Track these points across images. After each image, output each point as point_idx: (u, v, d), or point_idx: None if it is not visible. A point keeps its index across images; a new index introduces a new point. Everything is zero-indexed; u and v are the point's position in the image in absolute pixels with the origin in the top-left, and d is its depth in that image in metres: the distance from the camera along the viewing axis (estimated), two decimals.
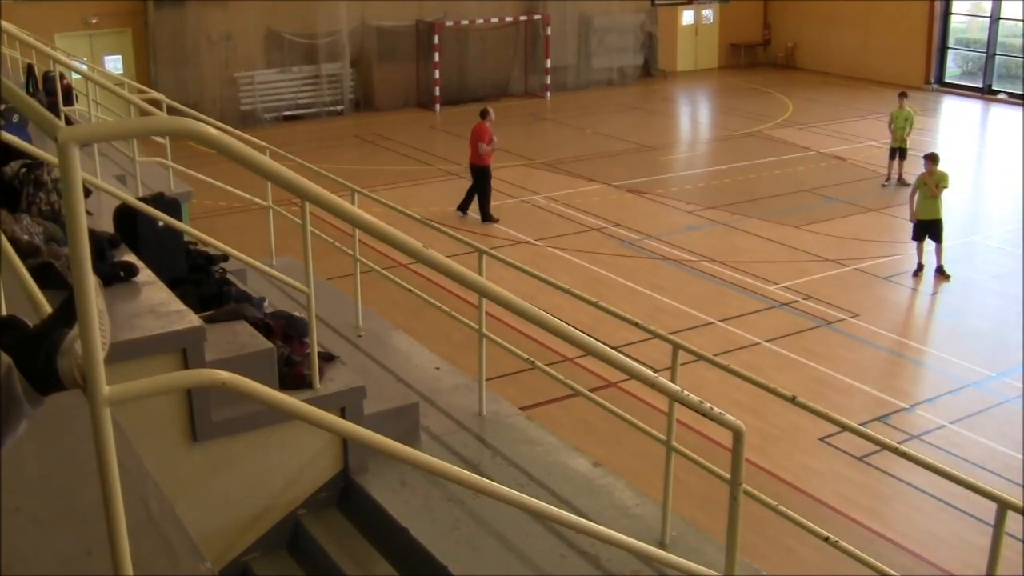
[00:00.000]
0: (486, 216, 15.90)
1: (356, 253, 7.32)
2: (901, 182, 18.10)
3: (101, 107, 11.19)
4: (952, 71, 28.13)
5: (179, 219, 6.23)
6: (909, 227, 14.13)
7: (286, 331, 5.69)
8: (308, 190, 2.06)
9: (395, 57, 25.09)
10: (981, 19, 27.52)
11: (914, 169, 18.31)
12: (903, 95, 18.60)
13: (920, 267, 13.76)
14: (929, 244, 13.77)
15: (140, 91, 11.86)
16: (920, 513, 8.29)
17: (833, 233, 15.46)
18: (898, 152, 18.12)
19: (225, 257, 6.53)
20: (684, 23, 30.41)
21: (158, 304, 4.87)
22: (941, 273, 13.65)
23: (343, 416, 5.03)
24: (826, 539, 4.40)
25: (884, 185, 18.20)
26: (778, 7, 31.07)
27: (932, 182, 13.66)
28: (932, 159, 13.89)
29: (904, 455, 4.43)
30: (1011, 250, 14.82)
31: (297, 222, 5.55)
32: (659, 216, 16.53)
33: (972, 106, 26.35)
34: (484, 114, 16.29)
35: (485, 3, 26.04)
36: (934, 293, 13.44)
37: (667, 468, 4.92)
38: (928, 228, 13.71)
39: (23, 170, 5.52)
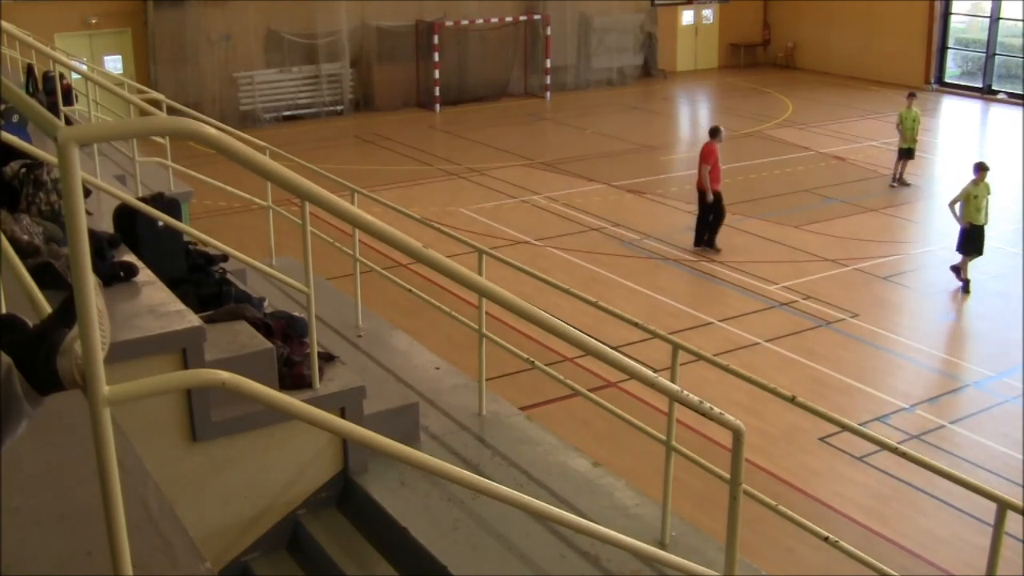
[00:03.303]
0: (710, 242, 14.58)
1: (356, 253, 7.32)
2: (901, 182, 18.08)
3: (101, 107, 11.18)
4: (952, 71, 28.13)
5: (179, 219, 6.23)
6: (910, 228, 14.11)
7: (286, 331, 5.69)
8: (308, 190, 2.06)
9: (395, 57, 25.09)
10: (981, 19, 27.53)
11: (916, 169, 18.37)
12: (912, 95, 18.55)
13: (967, 283, 13.16)
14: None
15: (140, 91, 11.86)
16: (920, 513, 8.29)
17: (833, 233, 15.46)
18: (905, 152, 18.02)
19: (225, 257, 6.53)
20: (684, 23, 30.41)
21: (158, 304, 4.87)
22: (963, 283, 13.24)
23: (343, 416, 5.03)
24: (826, 539, 4.40)
25: (892, 186, 18.09)
26: (778, 7, 31.07)
27: (983, 193, 13.21)
28: (983, 168, 13.36)
29: (904, 455, 4.43)
30: (1011, 250, 14.81)
31: (297, 222, 5.55)
32: (659, 216, 16.53)
33: (972, 106, 26.36)
34: (714, 132, 14.79)
35: (485, 3, 26.04)
36: (967, 293, 13.16)
37: (667, 468, 4.91)
38: (977, 237, 13.19)
39: (23, 170, 5.52)
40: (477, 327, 6.12)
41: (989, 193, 13.33)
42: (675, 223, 16.09)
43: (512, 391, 8.60)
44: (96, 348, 1.58)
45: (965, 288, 13.21)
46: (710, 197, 14.45)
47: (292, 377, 5.22)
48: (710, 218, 14.72)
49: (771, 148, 21.11)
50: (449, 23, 25.26)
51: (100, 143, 8.37)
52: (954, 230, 14.91)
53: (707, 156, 14.56)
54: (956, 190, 14.47)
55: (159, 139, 9.74)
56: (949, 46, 27.85)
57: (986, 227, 13.35)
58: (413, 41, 25.29)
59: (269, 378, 5.03)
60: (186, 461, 4.82)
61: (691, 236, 15.26)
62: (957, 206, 13.40)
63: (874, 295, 13.16)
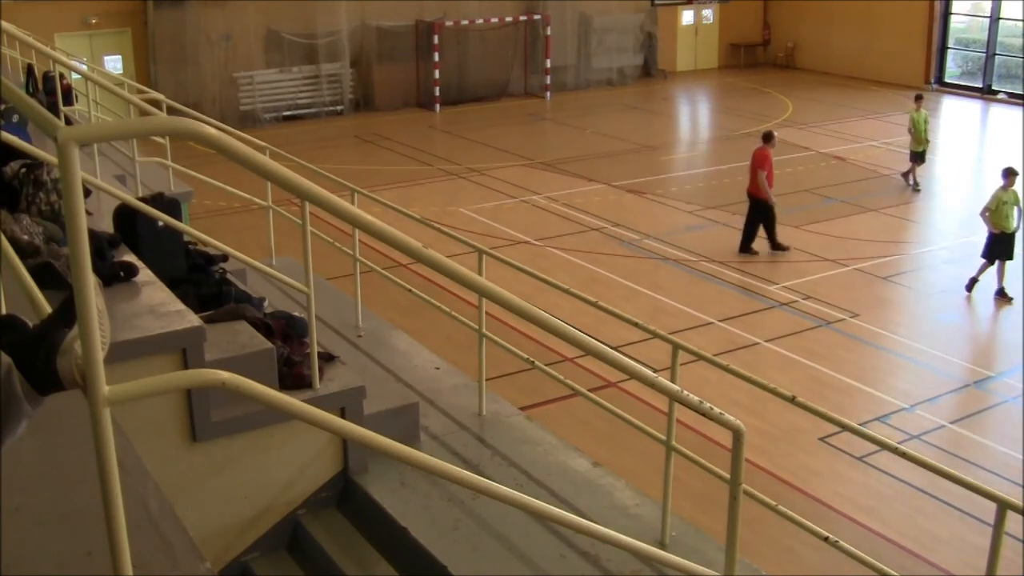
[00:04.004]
0: (773, 243, 14.35)
1: (356, 253, 7.32)
2: (915, 187, 17.79)
3: (101, 107, 11.18)
4: (952, 71, 28.13)
5: (179, 219, 6.23)
6: (910, 228, 14.07)
7: (286, 331, 5.69)
8: (308, 190, 2.06)
9: (395, 57, 25.09)
10: (981, 19, 27.53)
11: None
12: (919, 97, 18.34)
13: (974, 281, 12.93)
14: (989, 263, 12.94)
15: (140, 91, 11.86)
16: (920, 513, 8.29)
17: (833, 233, 15.45)
18: (918, 156, 17.74)
19: (225, 257, 6.53)
20: (684, 23, 30.41)
21: (158, 304, 4.87)
22: (1003, 296, 12.81)
23: (343, 416, 5.03)
24: (826, 539, 4.40)
25: (917, 190, 17.77)
26: (778, 7, 31.07)
27: (1012, 199, 12.87)
28: (1011, 173, 13.06)
29: (904, 455, 4.43)
30: None
31: (297, 222, 5.55)
32: (659, 216, 16.53)
33: (972, 106, 26.35)
34: (767, 137, 14.46)
35: (485, 3, 26.04)
36: (968, 292, 13.07)
37: (667, 468, 4.91)
38: (1005, 244, 12.84)
39: (23, 170, 5.52)
40: (477, 327, 6.12)
41: (1017, 201, 12.93)
42: (675, 223, 16.09)
43: (512, 391, 8.60)
44: (96, 348, 1.58)
45: (968, 287, 12.99)
46: (773, 201, 14.19)
47: (292, 377, 5.22)
48: (761, 223, 14.41)
49: None
50: (449, 23, 25.26)
51: (100, 143, 8.37)
52: (951, 230, 14.95)
53: (762, 162, 14.22)
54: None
55: (159, 139, 9.74)
56: (949, 46, 27.84)
57: (1018, 233, 12.94)
58: (413, 41, 25.29)
59: (269, 378, 5.03)
60: (186, 461, 4.82)
61: (691, 235, 15.27)
62: (989, 214, 13.00)
63: (874, 295, 13.16)
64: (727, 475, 3.62)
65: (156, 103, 9.05)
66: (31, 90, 10.63)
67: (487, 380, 6.19)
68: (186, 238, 6.35)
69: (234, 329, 5.28)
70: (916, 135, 17.74)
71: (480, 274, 5.45)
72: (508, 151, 20.89)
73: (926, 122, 17.79)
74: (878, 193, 17.85)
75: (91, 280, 1.57)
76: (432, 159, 20.43)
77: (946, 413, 10.00)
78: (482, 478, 2.52)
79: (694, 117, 27.35)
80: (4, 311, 3.15)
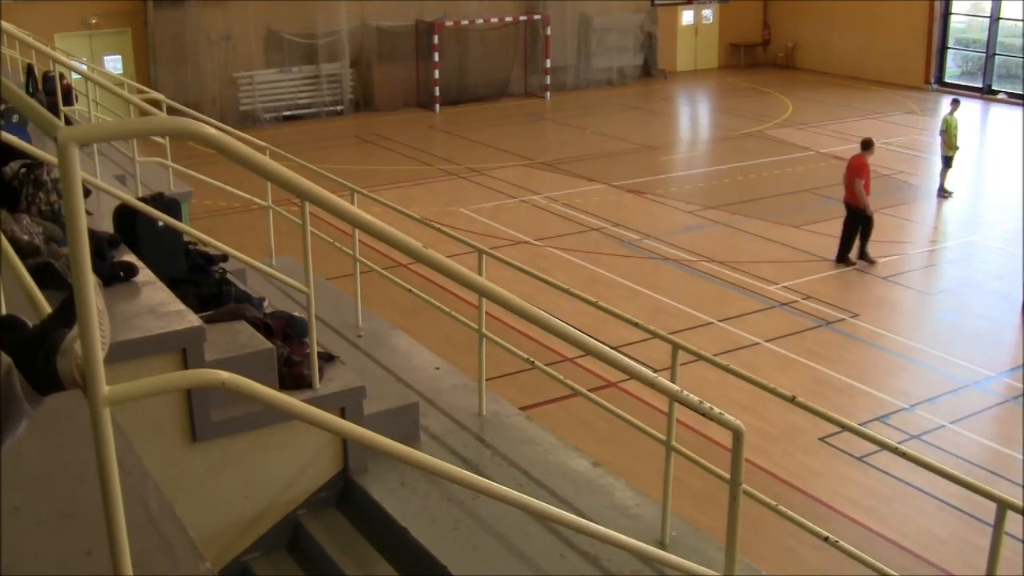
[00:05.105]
0: (863, 255, 14.07)
1: (356, 253, 7.32)
2: (944, 191, 17.55)
3: (101, 107, 11.18)
4: (952, 71, 28.13)
5: (179, 219, 6.23)
6: (910, 228, 14.04)
7: (286, 331, 5.69)
8: (308, 190, 2.06)
9: (395, 57, 25.10)
10: (981, 19, 27.53)
11: (915, 169, 18.32)
12: (955, 101, 17.91)
13: None
14: None
15: (140, 91, 11.86)
16: (920, 513, 8.29)
17: (833, 233, 15.41)
18: (947, 160, 17.43)
19: (225, 257, 6.53)
20: (684, 23, 30.41)
21: (158, 304, 4.87)
22: None
23: (343, 416, 5.03)
24: (826, 539, 4.40)
25: (945, 196, 17.43)
26: (778, 7, 31.07)
27: None
28: None
29: (904, 455, 4.43)
30: (1011, 250, 14.80)
31: (297, 222, 5.55)
32: (659, 216, 16.53)
33: (972, 106, 26.33)
34: (866, 145, 14.17)
35: (485, 3, 26.05)
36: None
37: (667, 468, 4.91)
38: None
39: (23, 170, 5.52)
40: (477, 327, 6.12)
41: None
42: (675, 223, 16.09)
43: (512, 391, 8.59)
44: (96, 348, 1.58)
45: None
46: (871, 210, 13.98)
47: (292, 377, 5.22)
48: (858, 232, 14.15)
49: (771, 148, 21.11)
50: (449, 23, 25.26)
51: (100, 143, 8.37)
52: (951, 231, 14.93)
53: (859, 170, 13.99)
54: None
55: (159, 139, 9.74)
56: (949, 46, 27.84)
57: None
58: (413, 41, 25.29)
59: (269, 378, 5.03)
60: (186, 461, 4.82)
61: (691, 235, 15.27)
62: None
63: (874, 295, 13.16)
64: (727, 475, 3.62)
65: (156, 103, 9.04)
66: (31, 90, 10.63)
67: (487, 380, 6.19)
68: (186, 238, 6.35)
69: (234, 329, 5.28)
70: (949, 140, 17.40)
71: (480, 274, 5.45)
72: (508, 151, 20.90)
73: (957, 127, 17.48)
74: (878, 193, 17.78)
75: (91, 280, 1.57)
76: (432, 159, 20.44)
77: (946, 413, 10.00)
78: (482, 478, 2.52)
79: (694, 117, 27.35)
80: (4, 311, 3.15)
